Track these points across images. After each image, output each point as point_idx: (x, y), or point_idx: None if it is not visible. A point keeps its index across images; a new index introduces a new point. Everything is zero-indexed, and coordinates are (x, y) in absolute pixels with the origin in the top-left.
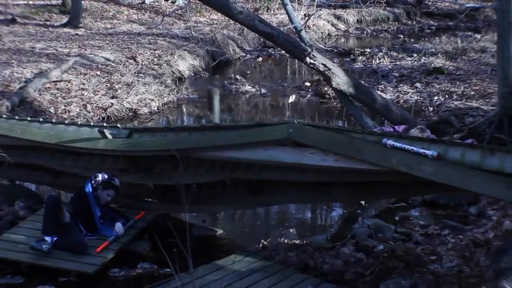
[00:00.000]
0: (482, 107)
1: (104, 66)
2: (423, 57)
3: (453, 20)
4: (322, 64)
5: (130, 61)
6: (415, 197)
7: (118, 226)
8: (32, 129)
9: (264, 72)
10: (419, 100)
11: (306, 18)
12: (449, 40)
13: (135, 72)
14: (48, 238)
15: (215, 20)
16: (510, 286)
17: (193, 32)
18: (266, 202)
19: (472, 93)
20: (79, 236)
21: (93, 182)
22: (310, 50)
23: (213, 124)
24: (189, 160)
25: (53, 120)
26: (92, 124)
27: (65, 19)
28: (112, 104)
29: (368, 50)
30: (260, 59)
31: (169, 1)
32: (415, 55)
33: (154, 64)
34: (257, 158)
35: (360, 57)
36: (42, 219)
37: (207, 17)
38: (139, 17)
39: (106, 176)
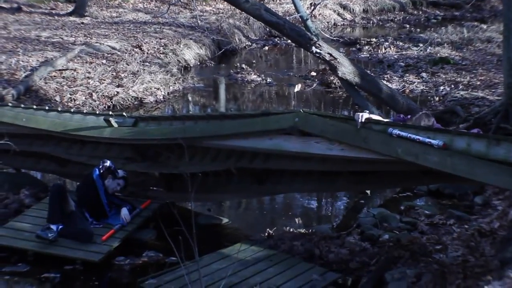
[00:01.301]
0: (488, 97)
1: (109, 55)
2: (429, 47)
3: (459, 10)
4: (328, 53)
5: (136, 50)
6: (420, 186)
7: (124, 212)
8: (38, 117)
9: (270, 61)
10: (425, 90)
11: (312, 7)
12: (455, 30)
13: (141, 61)
14: (53, 227)
15: (221, 9)
16: None
17: (199, 21)
18: (271, 191)
19: (478, 83)
20: (85, 224)
21: (101, 167)
22: (316, 40)
23: (218, 113)
24: (194, 149)
25: (59, 109)
26: (97, 112)
27: (70, 7)
28: (117, 92)
29: (374, 39)
30: (266, 48)
31: None
32: (421, 45)
33: (160, 53)
34: (263, 147)
35: (366, 47)
36: (47, 207)
37: (213, 6)
38: (145, 6)
39: (113, 165)
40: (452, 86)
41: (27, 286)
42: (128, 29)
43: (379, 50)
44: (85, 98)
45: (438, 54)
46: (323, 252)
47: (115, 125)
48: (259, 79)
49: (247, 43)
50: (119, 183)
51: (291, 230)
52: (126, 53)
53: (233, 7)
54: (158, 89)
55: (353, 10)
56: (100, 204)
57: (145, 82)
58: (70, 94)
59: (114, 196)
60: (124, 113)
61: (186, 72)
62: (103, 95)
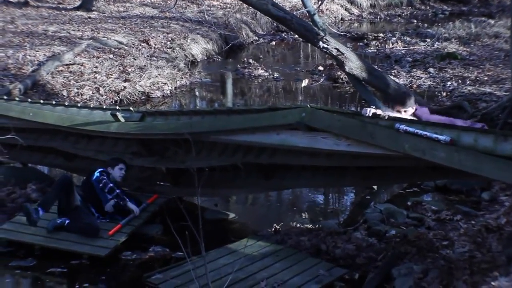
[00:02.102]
0: (495, 92)
1: (117, 50)
2: (437, 42)
3: (466, 5)
4: (335, 48)
5: (143, 44)
6: (427, 182)
7: (132, 206)
8: (45, 112)
9: (277, 56)
10: (432, 85)
11: (320, 2)
12: (463, 25)
13: (148, 56)
14: (41, 211)
15: (228, 3)
16: None
17: (206, 16)
18: (278, 186)
19: (485, 78)
20: (91, 219)
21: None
22: (323, 35)
23: (226, 108)
24: (201, 144)
25: (66, 103)
26: (104, 107)
27: (78, 2)
28: (124, 87)
29: (381, 35)
30: (273, 43)
31: None
32: (428, 40)
33: (167, 48)
34: (270, 142)
35: (374, 42)
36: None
37: (220, 0)
38: (152, 1)
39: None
40: (460, 81)
41: (34, 280)
42: (135, 24)
43: (386, 45)
44: (92, 93)
45: (446, 49)
46: (330, 247)
47: (122, 119)
48: (266, 74)
49: (254, 38)
50: (120, 167)
51: (298, 225)
52: (133, 47)
53: (240, 2)
54: (165, 83)
55: (360, 5)
56: (101, 203)
57: (152, 76)
58: (77, 89)
59: (121, 191)
60: (131, 108)
61: (193, 67)
62: (110, 90)
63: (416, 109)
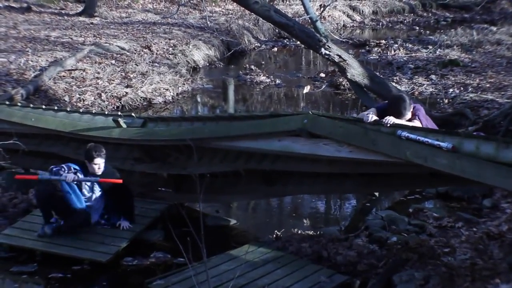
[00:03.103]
0: (497, 99)
1: (119, 55)
2: (439, 49)
3: (469, 12)
4: (337, 55)
5: (145, 50)
6: (429, 189)
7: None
8: (47, 117)
9: (279, 62)
10: (434, 92)
11: (322, 8)
12: (465, 32)
13: (150, 62)
14: (52, 219)
15: (230, 10)
16: None
17: (208, 22)
18: (279, 193)
19: (487, 85)
20: (81, 208)
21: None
22: (325, 41)
23: (227, 114)
24: (203, 150)
25: (68, 109)
26: (106, 113)
27: (80, 7)
28: (126, 93)
29: (383, 41)
30: (275, 49)
31: None
32: (430, 47)
33: (169, 54)
34: (271, 148)
35: (375, 49)
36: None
37: (222, 7)
38: (154, 7)
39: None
40: (461, 88)
41: (35, 285)
42: (137, 30)
43: (388, 52)
44: (94, 99)
45: (448, 56)
46: (331, 254)
47: (124, 125)
48: (268, 80)
49: (256, 44)
50: (96, 162)
51: (299, 232)
52: (135, 53)
53: (243, 8)
54: (167, 89)
55: (362, 11)
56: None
57: (154, 82)
58: (79, 94)
59: (113, 203)
60: (133, 114)
61: (195, 73)
62: (112, 96)
63: (415, 107)
